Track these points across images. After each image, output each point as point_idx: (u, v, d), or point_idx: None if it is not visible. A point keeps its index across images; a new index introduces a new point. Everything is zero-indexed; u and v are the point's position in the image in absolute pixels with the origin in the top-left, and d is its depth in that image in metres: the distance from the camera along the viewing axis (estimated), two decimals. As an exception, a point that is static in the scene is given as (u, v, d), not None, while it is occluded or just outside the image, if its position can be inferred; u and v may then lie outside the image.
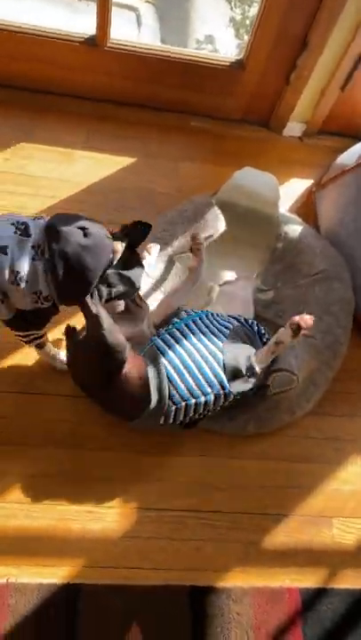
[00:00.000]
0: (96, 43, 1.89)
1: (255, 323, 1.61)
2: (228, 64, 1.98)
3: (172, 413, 1.43)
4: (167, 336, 1.49)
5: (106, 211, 1.92)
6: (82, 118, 2.09)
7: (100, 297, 1.32)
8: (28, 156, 1.97)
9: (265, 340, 1.57)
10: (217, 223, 1.85)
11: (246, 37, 2.40)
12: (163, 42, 2.56)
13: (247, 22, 2.75)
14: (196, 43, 2.65)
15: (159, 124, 2.15)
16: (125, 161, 2.04)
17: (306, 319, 1.41)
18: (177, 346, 1.46)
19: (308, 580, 1.51)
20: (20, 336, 1.43)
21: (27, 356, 1.63)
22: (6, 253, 1.22)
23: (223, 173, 2.05)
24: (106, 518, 1.49)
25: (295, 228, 1.88)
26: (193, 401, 1.43)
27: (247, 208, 1.91)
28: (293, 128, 2.17)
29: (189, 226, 1.87)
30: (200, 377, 1.43)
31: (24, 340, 1.44)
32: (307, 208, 2.01)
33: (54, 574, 1.41)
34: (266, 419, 1.66)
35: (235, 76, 2.00)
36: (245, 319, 1.60)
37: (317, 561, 1.55)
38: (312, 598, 1.49)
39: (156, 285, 1.79)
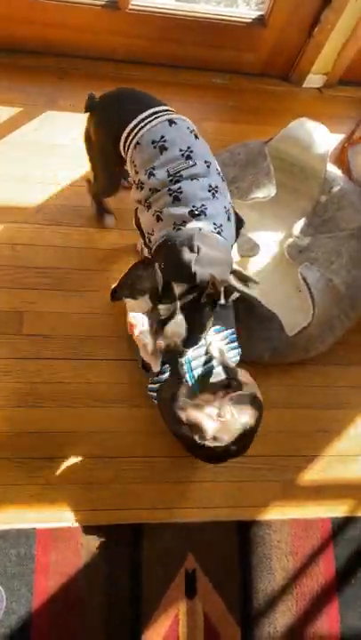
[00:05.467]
0: (118, 6, 1.87)
1: None
2: (249, 20, 1.97)
3: None
4: None
5: (134, 177, 1.98)
6: (104, 82, 2.05)
7: None
8: (55, 125, 2.01)
9: None
10: (269, 186, 1.88)
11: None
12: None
13: None
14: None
15: (180, 84, 2.15)
16: (150, 124, 2.07)
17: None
18: None
19: (338, 510, 1.73)
20: None
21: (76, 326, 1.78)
22: None
23: (246, 130, 2.11)
24: (158, 465, 1.68)
25: (341, 184, 1.92)
26: None
27: (297, 158, 1.94)
28: (314, 80, 2.18)
29: (241, 172, 1.92)
30: None
31: None
32: (339, 163, 2.03)
33: (118, 517, 1.62)
34: (282, 352, 1.81)
35: (256, 32, 1.99)
36: None
37: (345, 494, 1.75)
38: (342, 526, 1.71)
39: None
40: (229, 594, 1.60)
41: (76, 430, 1.67)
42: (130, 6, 1.88)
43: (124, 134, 1.45)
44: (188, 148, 1.42)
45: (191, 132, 1.46)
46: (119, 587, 1.55)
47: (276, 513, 1.69)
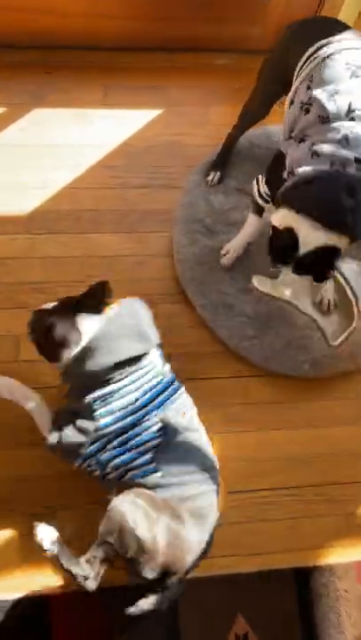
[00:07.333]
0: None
1: None
2: (252, -13, 1.75)
3: None
4: None
5: (137, 174, 1.75)
6: (95, 72, 1.88)
7: None
8: (44, 123, 1.79)
9: None
10: None
11: None
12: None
13: None
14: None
15: (180, 68, 1.93)
16: (150, 114, 1.84)
17: None
18: None
19: None
20: None
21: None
22: None
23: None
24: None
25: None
26: None
27: None
28: (330, 52, 1.94)
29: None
30: None
31: None
32: None
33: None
34: (324, 363, 1.57)
35: (261, 1, 1.76)
36: None
37: None
38: None
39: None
40: (291, 661, 1.30)
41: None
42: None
43: (315, 46, 1.26)
44: None
45: None
46: (155, 661, 1.26)
47: (338, 555, 1.40)
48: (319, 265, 1.19)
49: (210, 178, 1.71)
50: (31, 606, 1.30)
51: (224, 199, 1.70)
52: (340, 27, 1.32)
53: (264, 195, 1.42)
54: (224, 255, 1.62)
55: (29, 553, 1.32)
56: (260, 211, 1.48)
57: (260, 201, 1.44)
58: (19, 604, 1.30)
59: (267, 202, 1.42)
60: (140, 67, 1.91)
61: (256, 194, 1.45)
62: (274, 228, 1.21)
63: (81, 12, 1.77)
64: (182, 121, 1.85)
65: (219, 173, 1.72)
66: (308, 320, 1.58)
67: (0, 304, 1.55)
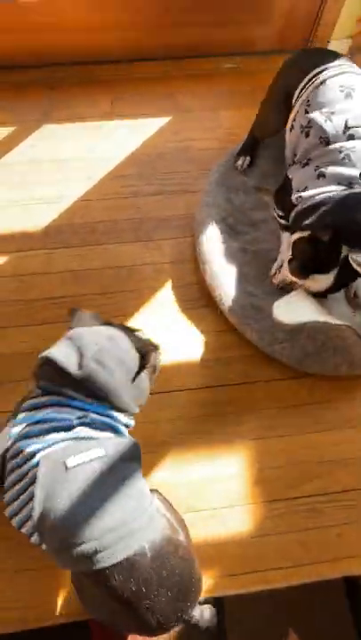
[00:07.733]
0: (105, -7, 1.66)
1: None
2: (255, -14, 1.73)
3: None
4: None
5: (150, 182, 1.73)
6: (101, 85, 1.88)
7: None
8: (54, 138, 1.78)
9: None
10: None
11: None
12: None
13: None
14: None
15: (187, 75, 1.93)
16: (159, 122, 1.83)
17: None
18: None
19: None
20: None
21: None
22: None
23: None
24: (229, 520, 1.34)
25: None
26: None
27: None
28: (337, 46, 1.91)
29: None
30: None
31: None
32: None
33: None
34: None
35: (263, 2, 1.75)
36: None
37: None
38: None
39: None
40: None
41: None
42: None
43: (313, 73, 1.36)
44: None
45: None
46: None
47: (390, 561, 1.32)
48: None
49: (239, 163, 1.69)
50: (73, 632, 1.24)
51: (245, 197, 1.65)
52: (334, 56, 1.39)
53: (282, 214, 1.43)
54: (273, 276, 1.56)
55: (67, 578, 1.27)
56: (287, 227, 1.47)
57: (282, 221, 1.45)
58: (60, 630, 1.24)
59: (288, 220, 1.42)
60: (146, 77, 1.90)
61: (275, 215, 1.47)
62: (296, 243, 1.22)
63: (82, 27, 1.77)
64: (192, 126, 1.83)
65: (248, 158, 1.70)
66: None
67: (20, 321, 1.51)
